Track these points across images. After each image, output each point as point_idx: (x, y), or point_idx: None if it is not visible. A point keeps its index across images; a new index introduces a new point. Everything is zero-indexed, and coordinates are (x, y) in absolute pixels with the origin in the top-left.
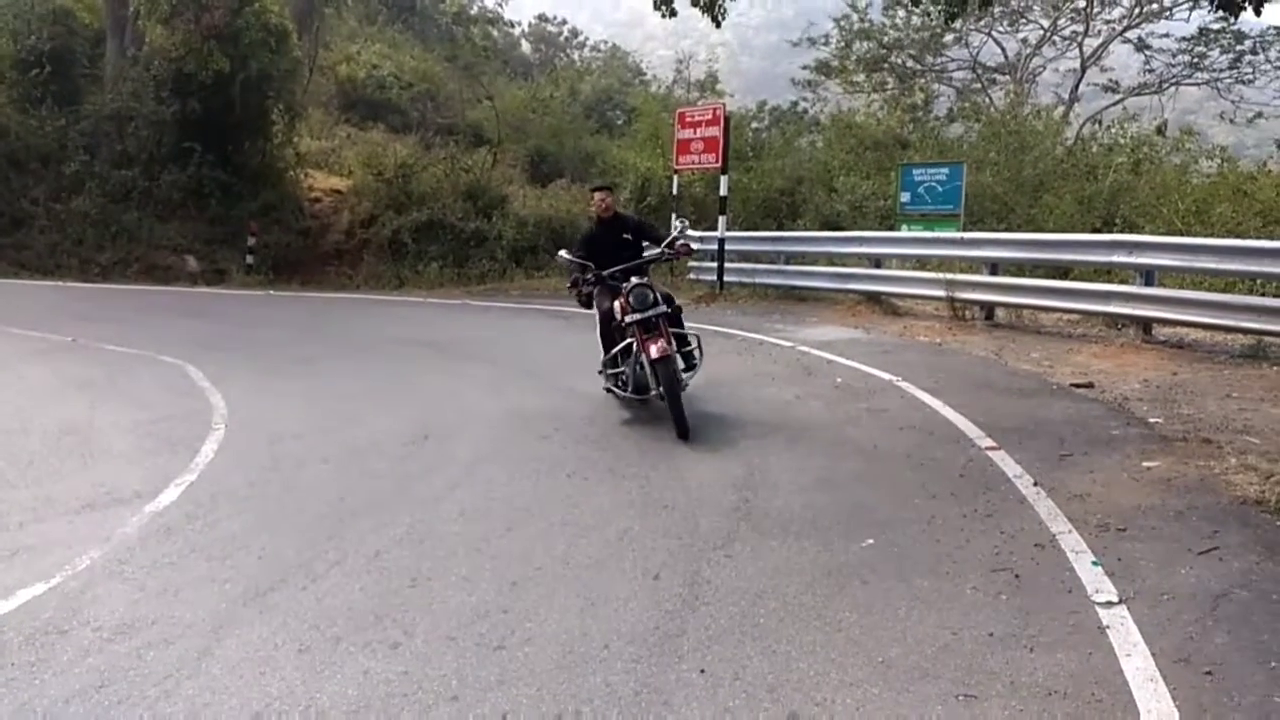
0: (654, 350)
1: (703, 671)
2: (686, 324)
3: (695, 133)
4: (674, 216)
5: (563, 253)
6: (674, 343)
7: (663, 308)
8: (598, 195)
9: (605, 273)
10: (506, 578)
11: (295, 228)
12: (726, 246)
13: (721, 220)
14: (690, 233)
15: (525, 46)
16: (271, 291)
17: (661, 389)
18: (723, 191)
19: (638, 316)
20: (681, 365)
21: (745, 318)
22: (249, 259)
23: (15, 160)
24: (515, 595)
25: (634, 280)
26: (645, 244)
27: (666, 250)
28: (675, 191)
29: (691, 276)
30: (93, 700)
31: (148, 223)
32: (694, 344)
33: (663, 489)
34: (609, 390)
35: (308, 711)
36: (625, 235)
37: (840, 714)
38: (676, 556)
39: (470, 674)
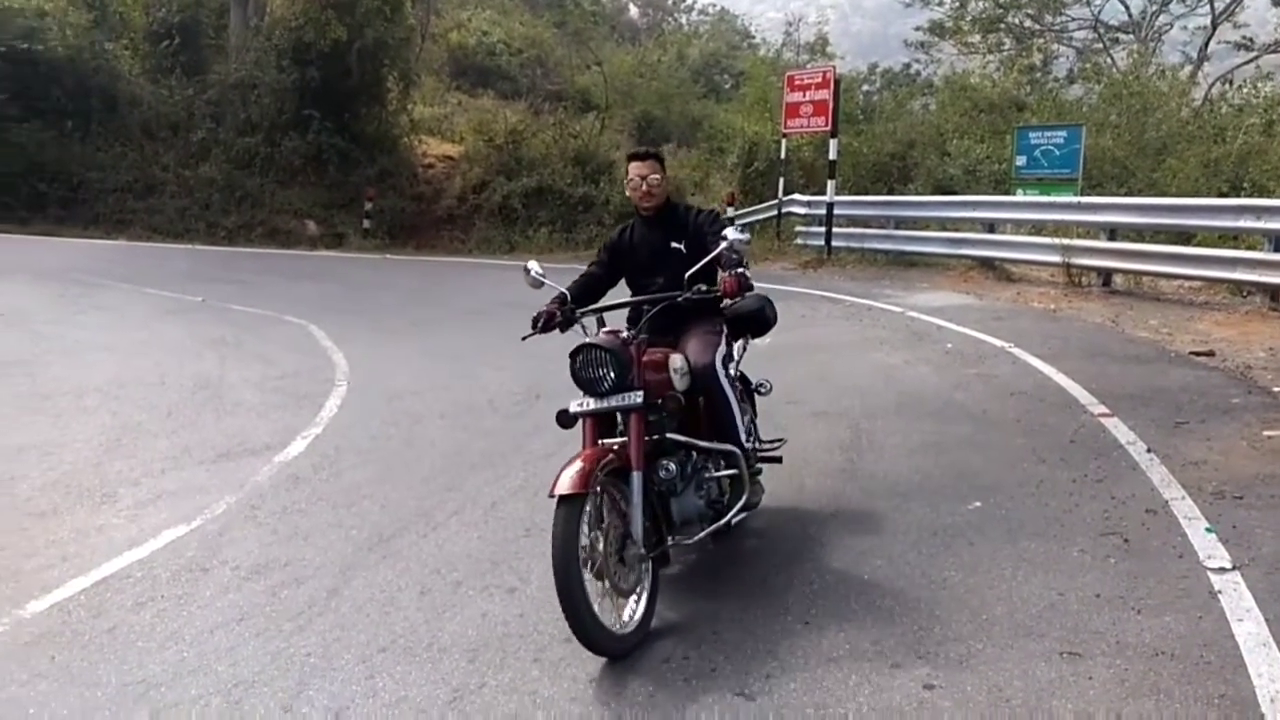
0: (566, 478)
1: (807, 623)
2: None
3: (804, 96)
4: (732, 225)
5: (531, 264)
6: (678, 460)
7: (632, 396)
8: (634, 168)
9: (580, 312)
10: None
11: (410, 193)
12: (835, 211)
13: (830, 184)
14: (739, 236)
15: (633, 11)
16: (388, 255)
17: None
18: (832, 155)
19: (586, 407)
20: (704, 494)
21: (854, 283)
22: (366, 223)
23: (147, 129)
24: None
25: (592, 332)
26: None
27: (695, 291)
28: (783, 156)
29: (799, 241)
30: (234, 632)
31: (270, 188)
32: (737, 463)
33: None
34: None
35: (430, 649)
36: (675, 244)
37: (943, 666)
38: (783, 514)
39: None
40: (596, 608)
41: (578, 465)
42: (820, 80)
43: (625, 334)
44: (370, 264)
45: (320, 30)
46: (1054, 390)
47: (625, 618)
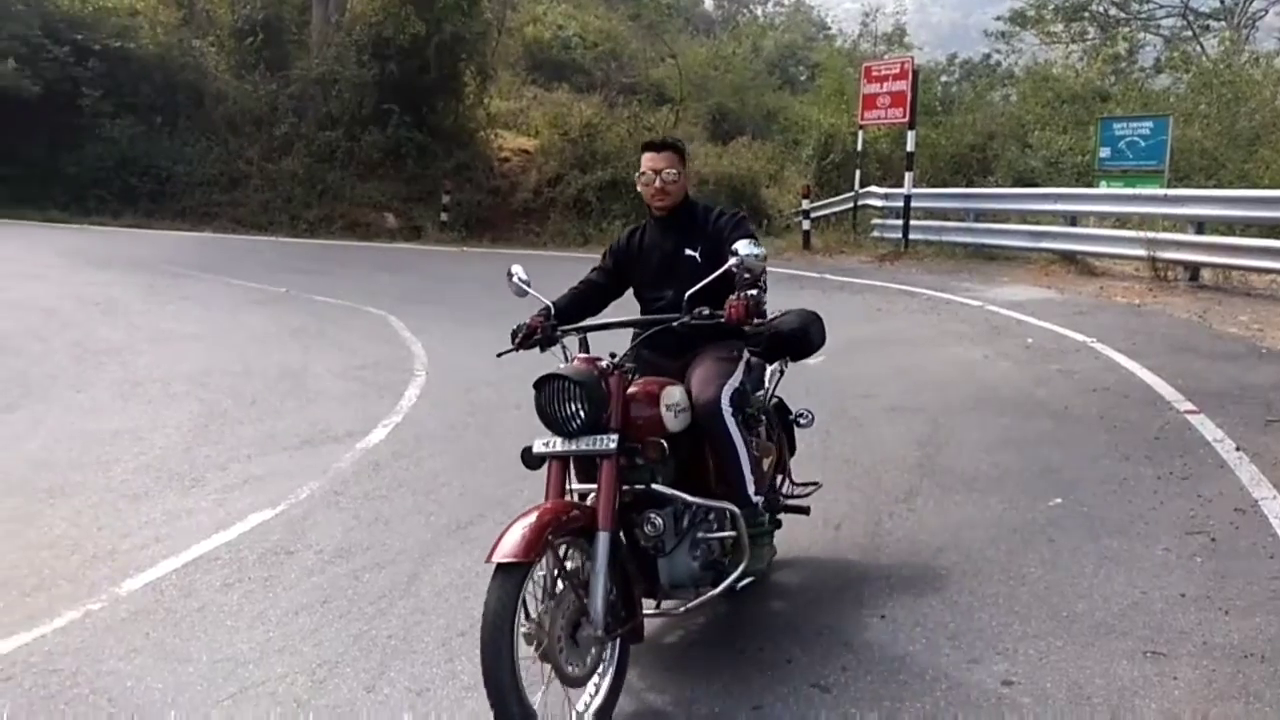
0: (509, 541)
1: (883, 617)
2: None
3: (882, 87)
4: (751, 237)
5: (515, 268)
6: (663, 516)
7: (605, 440)
8: (648, 159)
9: (562, 330)
10: None
11: (486, 186)
12: (913, 203)
13: (908, 177)
14: (752, 250)
15: (708, 3)
16: (465, 248)
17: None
18: (910, 147)
19: (554, 448)
20: (699, 555)
21: (931, 276)
22: (443, 216)
23: (232, 123)
24: None
25: (573, 354)
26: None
27: (696, 315)
28: (860, 148)
29: (876, 234)
30: (317, 614)
31: (350, 181)
32: (735, 525)
33: (844, 444)
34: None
35: None
36: (689, 251)
37: (1022, 662)
38: (858, 508)
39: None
40: (538, 700)
41: (527, 524)
42: (898, 71)
43: (605, 361)
44: (447, 256)
45: (399, 25)
46: (1138, 386)
47: (580, 709)
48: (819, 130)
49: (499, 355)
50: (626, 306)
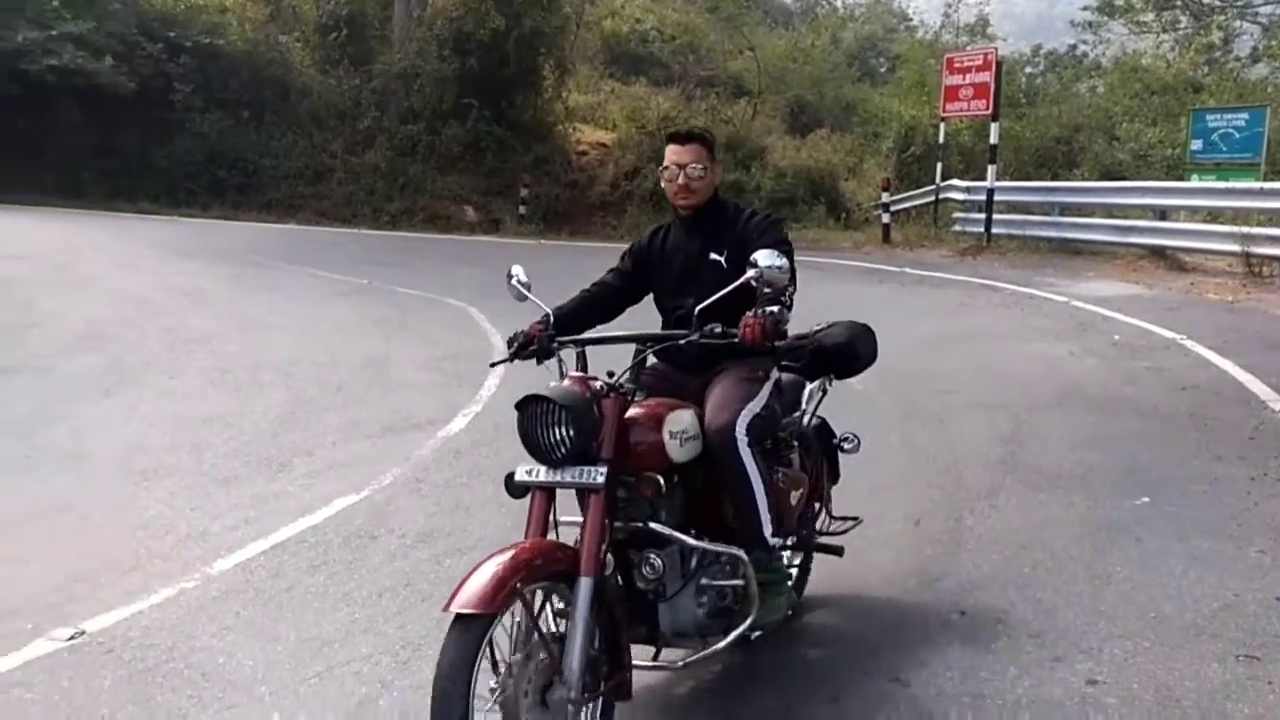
0: (471, 589)
1: (963, 613)
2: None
3: (964, 79)
4: (777, 245)
5: (515, 269)
6: (665, 557)
7: (593, 473)
8: (672, 152)
9: (559, 341)
10: None
11: (564, 180)
12: (996, 197)
13: (991, 169)
14: (773, 262)
15: None
16: (542, 241)
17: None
18: (993, 139)
19: (538, 477)
20: (706, 602)
21: (1014, 271)
22: (521, 209)
23: (317, 117)
24: None
25: (570, 369)
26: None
27: (706, 332)
28: (941, 140)
29: (957, 228)
30: (400, 597)
31: (430, 175)
32: (743, 573)
33: (923, 439)
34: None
35: None
36: (714, 255)
37: (1107, 663)
38: (938, 504)
39: None
40: None
41: (495, 568)
42: (981, 62)
43: (600, 381)
44: (526, 249)
45: (479, 20)
46: (1231, 385)
47: None
48: (899, 122)
49: (492, 365)
50: (641, 316)
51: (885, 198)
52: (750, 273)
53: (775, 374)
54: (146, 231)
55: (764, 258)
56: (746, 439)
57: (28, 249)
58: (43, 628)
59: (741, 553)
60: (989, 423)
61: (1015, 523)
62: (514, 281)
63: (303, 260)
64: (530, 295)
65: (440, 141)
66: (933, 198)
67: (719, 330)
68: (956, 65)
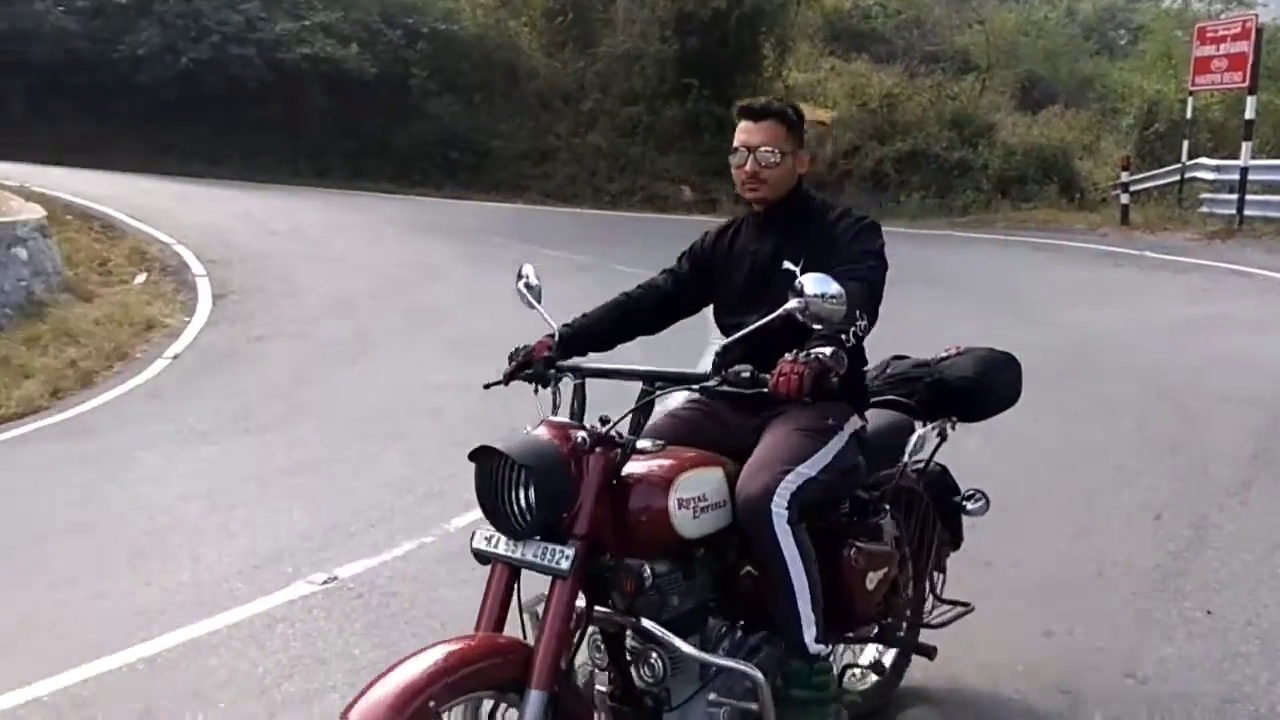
0: (369, 703)
1: (1209, 612)
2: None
3: (1218, 49)
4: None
5: (526, 268)
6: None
7: (558, 554)
8: (742, 131)
9: (560, 366)
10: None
11: None
12: (1250, 176)
13: (1246, 147)
14: (824, 289)
15: None
16: None
17: None
18: (1249, 115)
19: (496, 548)
20: (721, 715)
21: (1270, 256)
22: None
23: (543, 100)
24: (999, 517)
25: (564, 401)
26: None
27: (730, 377)
28: (1189, 116)
29: (1204, 210)
30: None
31: (649, 155)
32: (757, 696)
33: (1166, 430)
34: None
35: None
36: (788, 264)
37: None
38: (1181, 499)
39: (957, 588)
40: None
41: (408, 675)
42: (1238, 31)
43: (582, 434)
44: None
45: (701, 1)
46: None
47: None
48: (1141, 98)
49: (486, 387)
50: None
51: (1125, 177)
52: (791, 304)
53: (854, 423)
54: (386, 210)
55: (812, 284)
56: (787, 514)
57: (284, 226)
58: (302, 571)
59: (756, 671)
60: (1240, 416)
61: (1268, 521)
62: (522, 284)
63: (529, 238)
64: (539, 305)
65: (660, 122)
66: (1177, 177)
67: (746, 376)
68: (1209, 35)
